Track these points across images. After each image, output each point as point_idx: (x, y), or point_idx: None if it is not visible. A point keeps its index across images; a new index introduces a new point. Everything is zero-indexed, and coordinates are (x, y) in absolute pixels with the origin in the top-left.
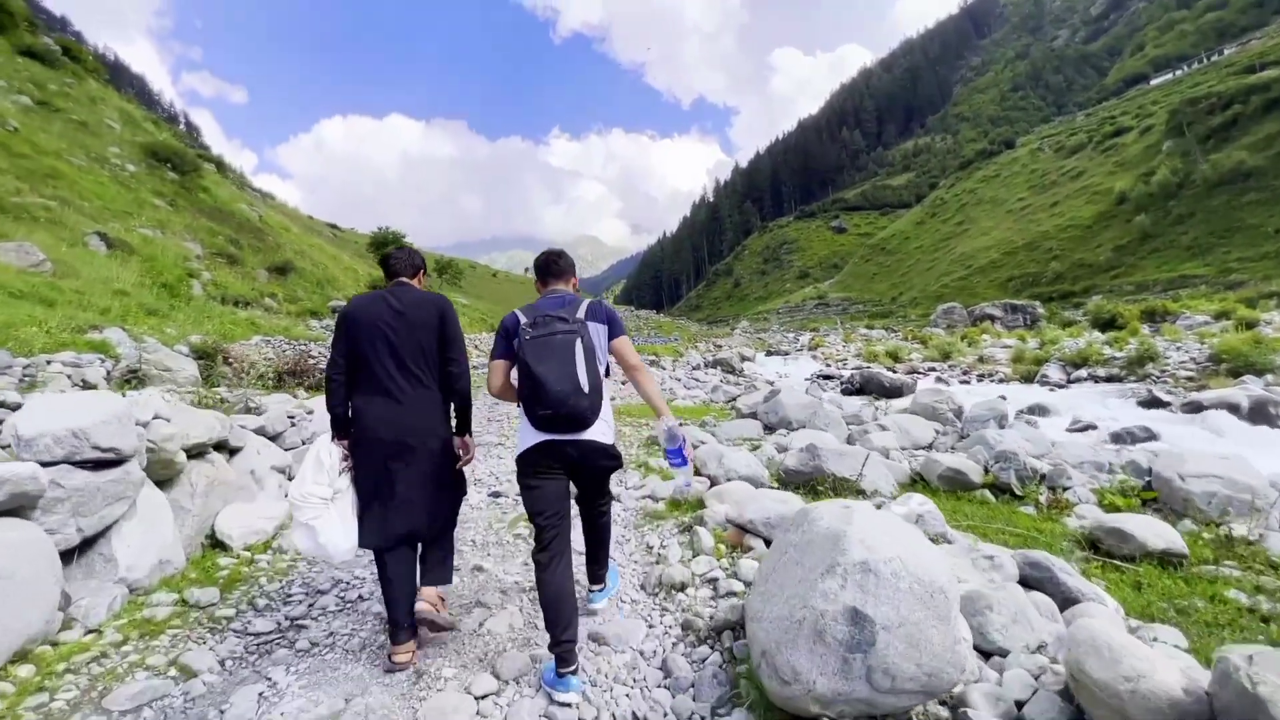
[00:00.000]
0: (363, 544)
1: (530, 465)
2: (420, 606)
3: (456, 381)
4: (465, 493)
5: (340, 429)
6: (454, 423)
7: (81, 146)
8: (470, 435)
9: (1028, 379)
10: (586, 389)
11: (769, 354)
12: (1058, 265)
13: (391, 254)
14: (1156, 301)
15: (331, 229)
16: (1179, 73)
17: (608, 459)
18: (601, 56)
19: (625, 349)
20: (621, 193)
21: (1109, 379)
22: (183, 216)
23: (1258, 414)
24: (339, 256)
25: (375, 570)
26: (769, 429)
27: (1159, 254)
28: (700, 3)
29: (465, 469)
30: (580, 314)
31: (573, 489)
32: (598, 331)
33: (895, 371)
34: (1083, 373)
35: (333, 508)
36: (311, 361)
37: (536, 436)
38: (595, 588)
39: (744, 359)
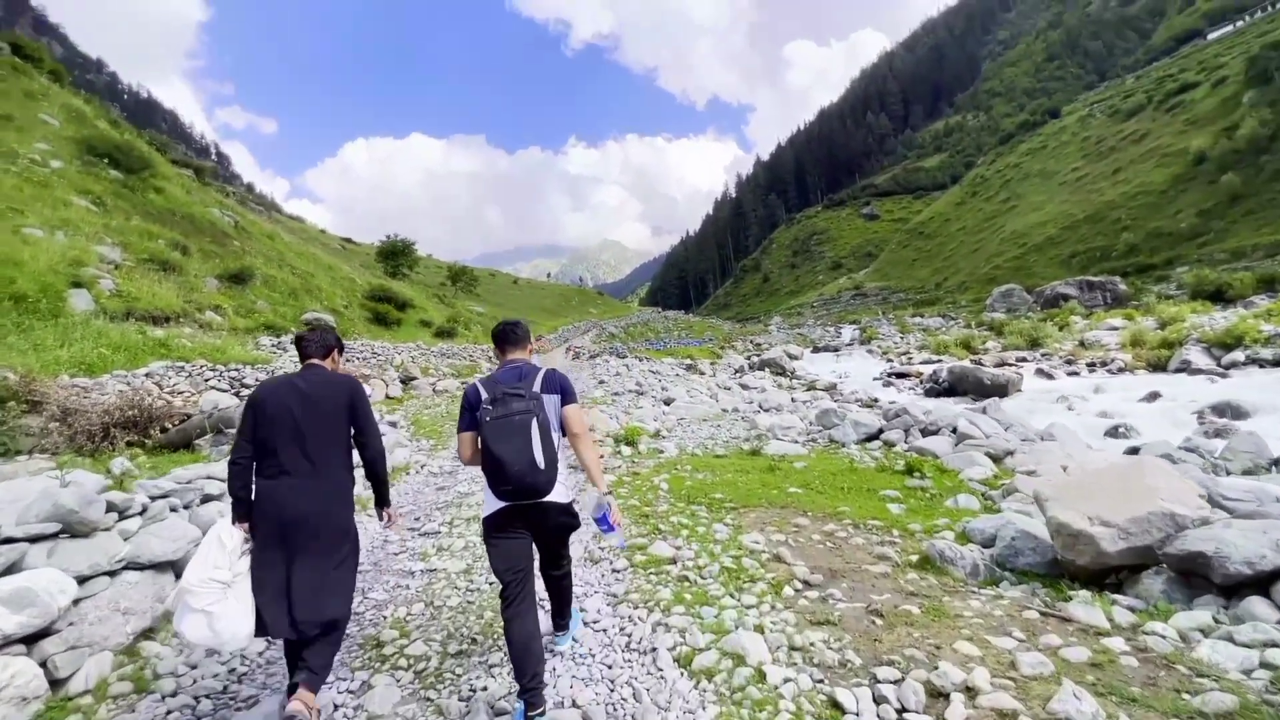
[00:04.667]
0: (269, 633)
1: (494, 526)
2: (293, 708)
3: (372, 465)
4: (355, 581)
5: (241, 512)
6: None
7: None
8: (390, 505)
9: (1157, 366)
10: (543, 465)
11: (815, 350)
12: (1130, 236)
13: (303, 336)
14: (1273, 268)
15: (344, 243)
16: (1240, 24)
17: (565, 516)
18: (614, 65)
19: (571, 417)
20: (641, 196)
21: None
22: (112, 218)
23: None
24: (336, 266)
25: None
26: None
27: (1254, 215)
28: (708, 4)
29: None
30: (536, 387)
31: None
32: (552, 403)
33: (982, 364)
34: (1238, 355)
35: (231, 593)
36: (161, 405)
37: (499, 504)
38: (559, 633)
39: (792, 358)
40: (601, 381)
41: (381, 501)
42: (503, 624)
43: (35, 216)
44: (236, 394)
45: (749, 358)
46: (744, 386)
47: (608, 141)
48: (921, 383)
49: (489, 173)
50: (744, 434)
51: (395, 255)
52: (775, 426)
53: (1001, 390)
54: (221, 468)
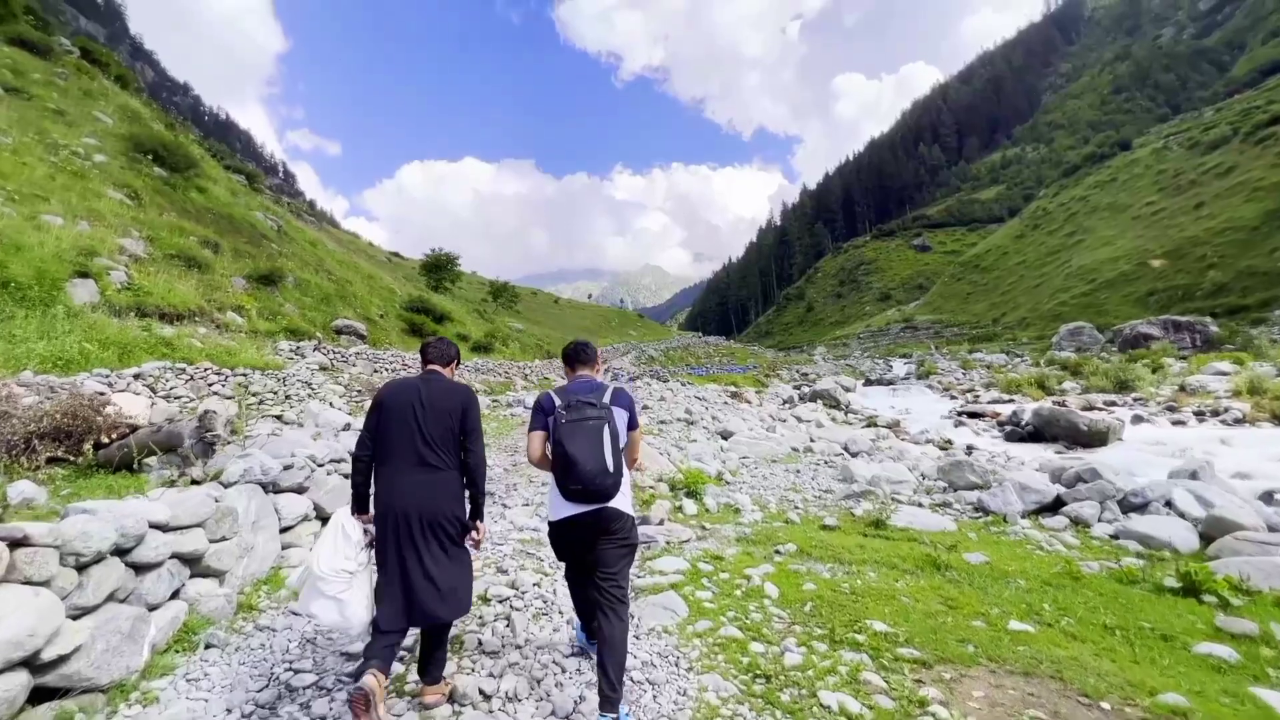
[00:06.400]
0: (385, 625)
1: (559, 534)
2: (431, 700)
3: (473, 472)
4: (473, 577)
5: (361, 505)
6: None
7: (38, 131)
8: (482, 521)
9: None
10: (611, 469)
11: (867, 383)
12: (1218, 275)
13: (429, 344)
14: None
15: (391, 256)
16: None
17: (621, 524)
18: (662, 95)
19: (634, 444)
20: (684, 222)
21: None
22: (145, 212)
23: None
24: (376, 276)
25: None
26: None
27: None
28: (758, 39)
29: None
30: (606, 399)
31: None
32: (621, 416)
33: (1065, 405)
34: None
35: (356, 581)
36: (106, 414)
37: (566, 509)
38: (604, 714)
39: (845, 390)
40: (645, 407)
41: (476, 513)
42: (570, 588)
43: (60, 205)
44: (239, 401)
45: (798, 388)
46: (798, 419)
47: (653, 169)
48: (999, 424)
49: (536, 196)
50: (838, 487)
51: (438, 269)
52: (881, 479)
53: (1100, 438)
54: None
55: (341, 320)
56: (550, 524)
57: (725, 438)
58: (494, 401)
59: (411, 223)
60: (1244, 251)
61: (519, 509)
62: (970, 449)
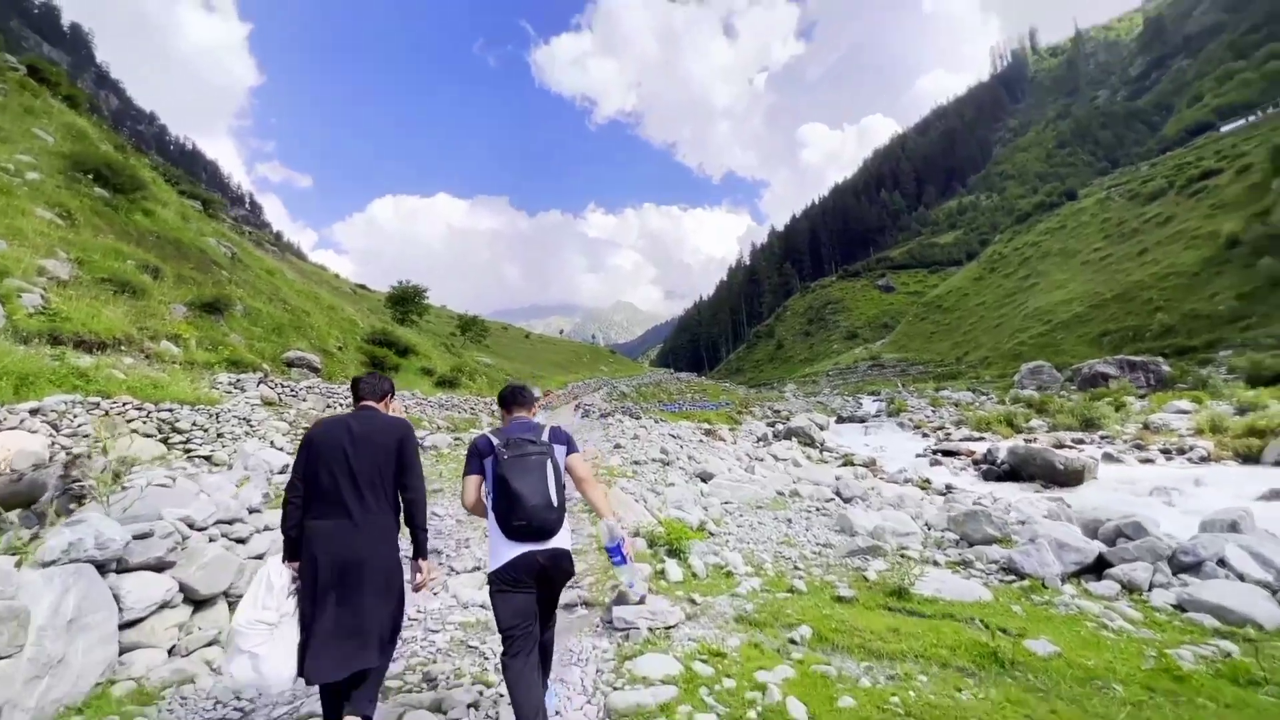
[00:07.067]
0: (312, 678)
1: (505, 579)
2: None
3: (413, 508)
4: (402, 622)
5: (291, 551)
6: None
7: None
8: (426, 559)
9: (1249, 457)
10: (555, 503)
11: (840, 421)
12: (1165, 317)
13: (361, 379)
14: None
15: (356, 288)
16: (1252, 118)
17: (568, 563)
18: (634, 139)
19: (577, 463)
20: (656, 261)
21: None
22: (79, 233)
23: None
24: (338, 307)
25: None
26: None
27: None
28: (728, 89)
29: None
30: (545, 437)
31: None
32: (560, 452)
33: (1034, 443)
34: None
35: (278, 634)
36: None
37: (512, 549)
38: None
39: (819, 428)
40: (618, 446)
41: (419, 553)
42: (506, 675)
43: None
44: (164, 440)
45: (771, 425)
46: (775, 458)
47: (625, 209)
48: (974, 463)
49: (510, 231)
50: (838, 540)
51: (405, 301)
52: (884, 530)
53: (1076, 477)
54: None
55: (294, 352)
56: (492, 573)
57: (705, 480)
58: (456, 439)
59: (382, 256)
60: (1187, 295)
61: (466, 576)
62: (949, 488)
